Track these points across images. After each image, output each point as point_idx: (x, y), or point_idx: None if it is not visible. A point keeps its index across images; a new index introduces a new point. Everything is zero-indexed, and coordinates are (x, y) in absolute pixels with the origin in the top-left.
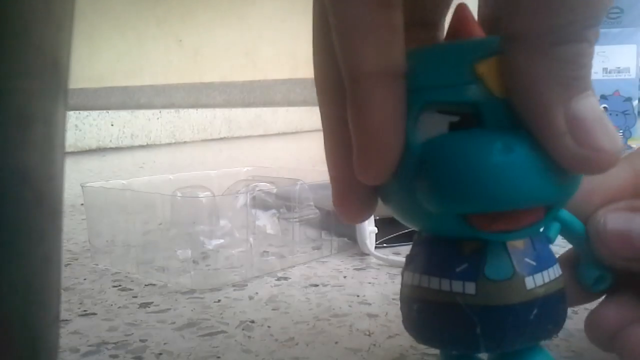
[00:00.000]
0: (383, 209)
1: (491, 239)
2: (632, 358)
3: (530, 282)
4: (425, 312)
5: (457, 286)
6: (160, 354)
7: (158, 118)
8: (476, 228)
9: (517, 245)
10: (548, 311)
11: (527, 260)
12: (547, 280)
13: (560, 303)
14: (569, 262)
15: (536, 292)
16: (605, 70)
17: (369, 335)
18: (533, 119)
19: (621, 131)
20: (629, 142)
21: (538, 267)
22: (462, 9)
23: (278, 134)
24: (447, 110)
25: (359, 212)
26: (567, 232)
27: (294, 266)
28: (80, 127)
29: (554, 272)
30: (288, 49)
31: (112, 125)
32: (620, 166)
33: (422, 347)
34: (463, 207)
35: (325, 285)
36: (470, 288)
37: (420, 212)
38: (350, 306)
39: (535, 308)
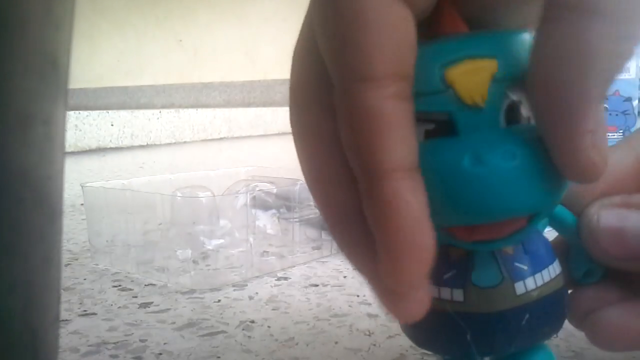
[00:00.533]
0: None
1: (473, 249)
2: (598, 340)
3: (520, 288)
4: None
5: (445, 293)
6: (160, 354)
7: (158, 118)
8: (456, 238)
9: (507, 250)
10: (543, 315)
11: (517, 265)
12: (540, 283)
13: (558, 304)
14: (560, 247)
15: (528, 296)
16: None
17: (369, 335)
18: (563, 106)
19: (621, 131)
20: None
21: (530, 270)
22: (445, 1)
23: (278, 134)
24: (422, 118)
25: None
26: (555, 224)
27: (294, 266)
28: (80, 127)
29: (550, 272)
30: (288, 48)
31: (112, 125)
32: (622, 151)
33: None
34: (437, 220)
35: (325, 285)
36: (458, 295)
37: None
38: (350, 306)
39: (527, 313)
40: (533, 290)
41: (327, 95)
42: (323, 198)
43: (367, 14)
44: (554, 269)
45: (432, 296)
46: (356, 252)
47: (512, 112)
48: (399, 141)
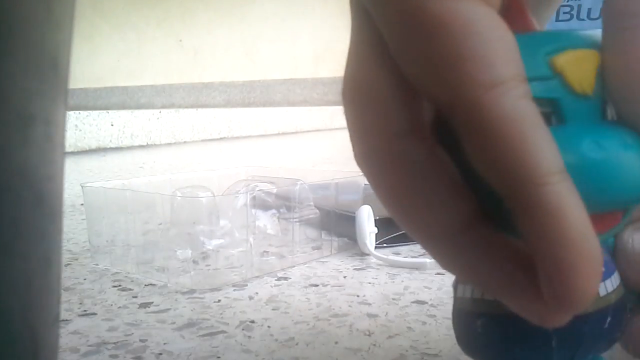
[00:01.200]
0: (382, 209)
1: None
2: (633, 347)
3: (602, 289)
4: (493, 328)
5: None
6: (160, 354)
7: (158, 118)
8: None
9: None
10: (619, 318)
11: None
12: (616, 285)
13: (626, 310)
14: None
15: (608, 299)
16: None
17: (369, 335)
18: None
19: None
20: None
21: (607, 272)
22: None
23: (278, 134)
24: None
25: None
26: None
27: (294, 266)
28: (80, 127)
29: (617, 278)
30: (288, 49)
31: (112, 125)
32: None
33: (422, 347)
34: None
35: (325, 285)
36: None
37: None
38: (350, 306)
39: (609, 316)
40: (611, 292)
41: (415, 122)
42: (421, 222)
43: (474, 20)
44: (618, 275)
45: None
46: (478, 272)
47: (606, 106)
48: (546, 141)
